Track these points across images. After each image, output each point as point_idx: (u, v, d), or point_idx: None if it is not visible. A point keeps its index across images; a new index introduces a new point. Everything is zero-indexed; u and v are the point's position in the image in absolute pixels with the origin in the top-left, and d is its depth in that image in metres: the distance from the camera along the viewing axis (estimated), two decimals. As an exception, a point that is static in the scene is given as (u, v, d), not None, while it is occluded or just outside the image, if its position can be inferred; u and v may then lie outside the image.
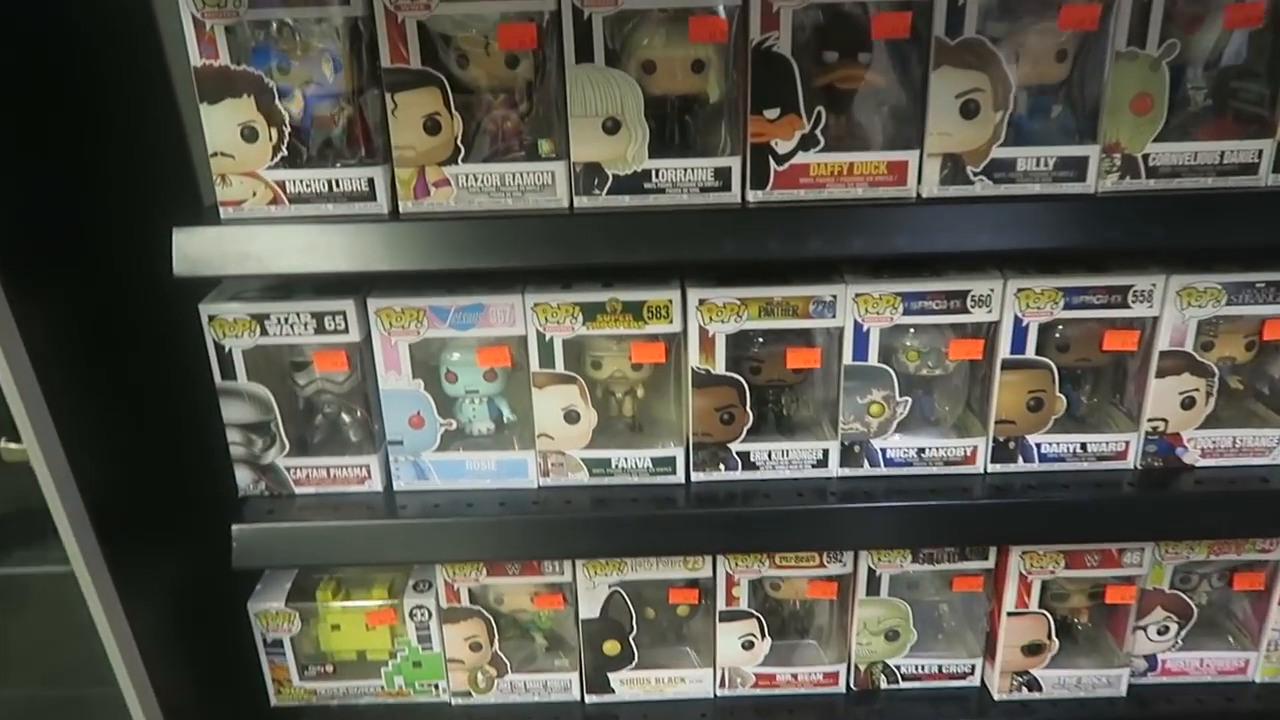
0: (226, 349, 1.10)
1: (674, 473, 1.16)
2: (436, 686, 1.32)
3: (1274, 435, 1.13)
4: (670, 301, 1.08)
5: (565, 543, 1.15)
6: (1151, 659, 1.28)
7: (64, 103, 1.07)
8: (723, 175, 1.01)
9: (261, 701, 1.32)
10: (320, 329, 1.10)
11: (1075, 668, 1.27)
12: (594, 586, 1.24)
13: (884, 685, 1.30)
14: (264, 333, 1.10)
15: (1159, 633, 1.27)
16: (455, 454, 1.16)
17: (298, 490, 1.17)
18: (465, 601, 1.26)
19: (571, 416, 1.14)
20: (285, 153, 1.00)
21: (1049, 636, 1.24)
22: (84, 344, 1.08)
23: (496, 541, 1.14)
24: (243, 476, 1.17)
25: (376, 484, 1.17)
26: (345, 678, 1.32)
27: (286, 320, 1.09)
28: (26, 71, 1.01)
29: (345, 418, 1.20)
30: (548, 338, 1.10)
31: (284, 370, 1.16)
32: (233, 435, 1.14)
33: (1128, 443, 1.14)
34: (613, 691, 1.30)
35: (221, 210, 1.02)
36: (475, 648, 1.29)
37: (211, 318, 1.09)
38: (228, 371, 1.11)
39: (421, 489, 1.17)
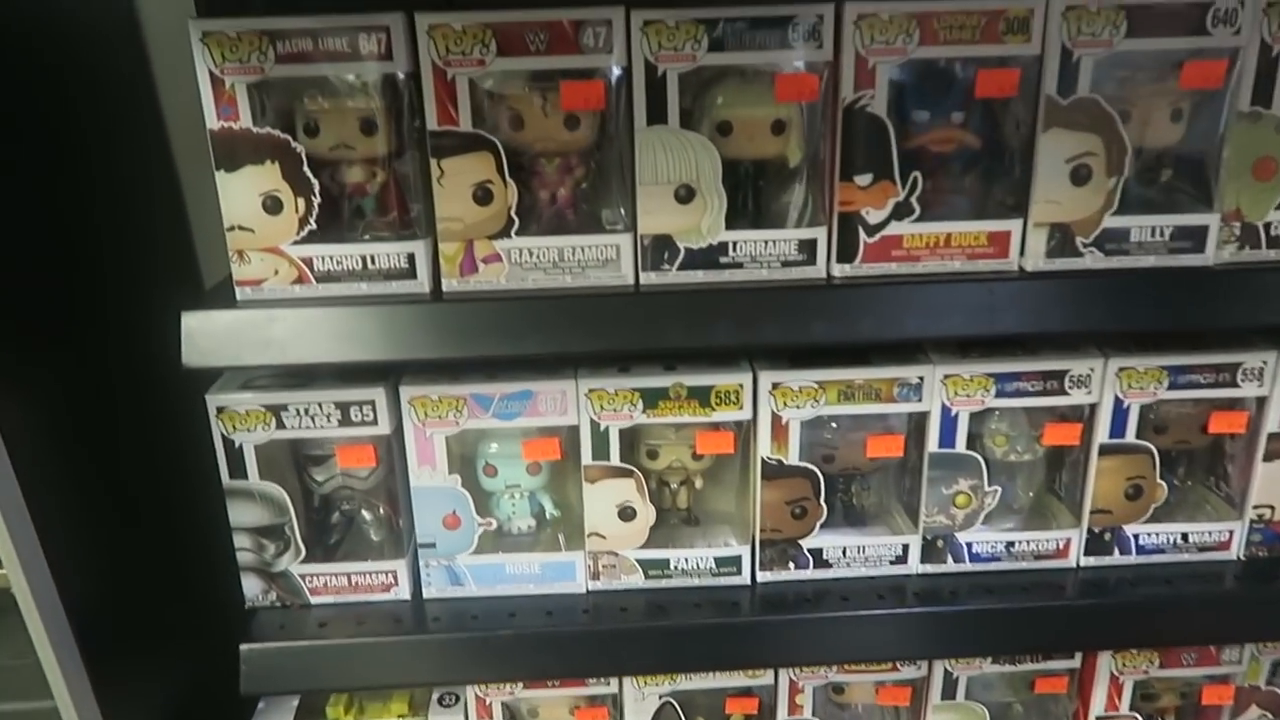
0: (236, 444, 0.97)
1: (739, 573, 1.04)
2: (458, 809, 1.17)
3: (1386, 522, 1.05)
4: (741, 386, 0.97)
5: (619, 657, 1.02)
6: (1246, 762, 1.18)
7: (45, 170, 0.94)
8: (807, 248, 0.91)
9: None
10: (345, 420, 0.97)
11: (1167, 773, 1.17)
12: (643, 698, 1.11)
13: (960, 797, 1.19)
14: (280, 425, 0.97)
15: (1254, 733, 1.17)
16: (494, 556, 1.03)
17: (314, 600, 1.03)
18: (498, 718, 1.13)
19: (627, 513, 1.02)
20: (314, 225, 0.88)
21: (1142, 743, 1.14)
22: (71, 441, 0.94)
23: (542, 658, 1.00)
24: (251, 586, 1.02)
25: (404, 592, 1.04)
26: (358, 803, 1.17)
27: (306, 411, 0.96)
28: None
29: (366, 515, 1.07)
30: (603, 427, 0.98)
31: (299, 466, 1.02)
32: (241, 540, 1.00)
33: (1231, 532, 1.05)
34: (662, 813, 1.17)
35: (238, 290, 0.89)
36: (508, 767, 1.15)
37: (220, 409, 0.96)
38: (237, 470, 0.98)
39: (455, 596, 1.04)
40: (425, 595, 1.04)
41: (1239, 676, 1.13)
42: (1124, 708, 1.12)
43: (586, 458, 1.00)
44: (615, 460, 1.00)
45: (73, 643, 0.87)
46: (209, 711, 1.10)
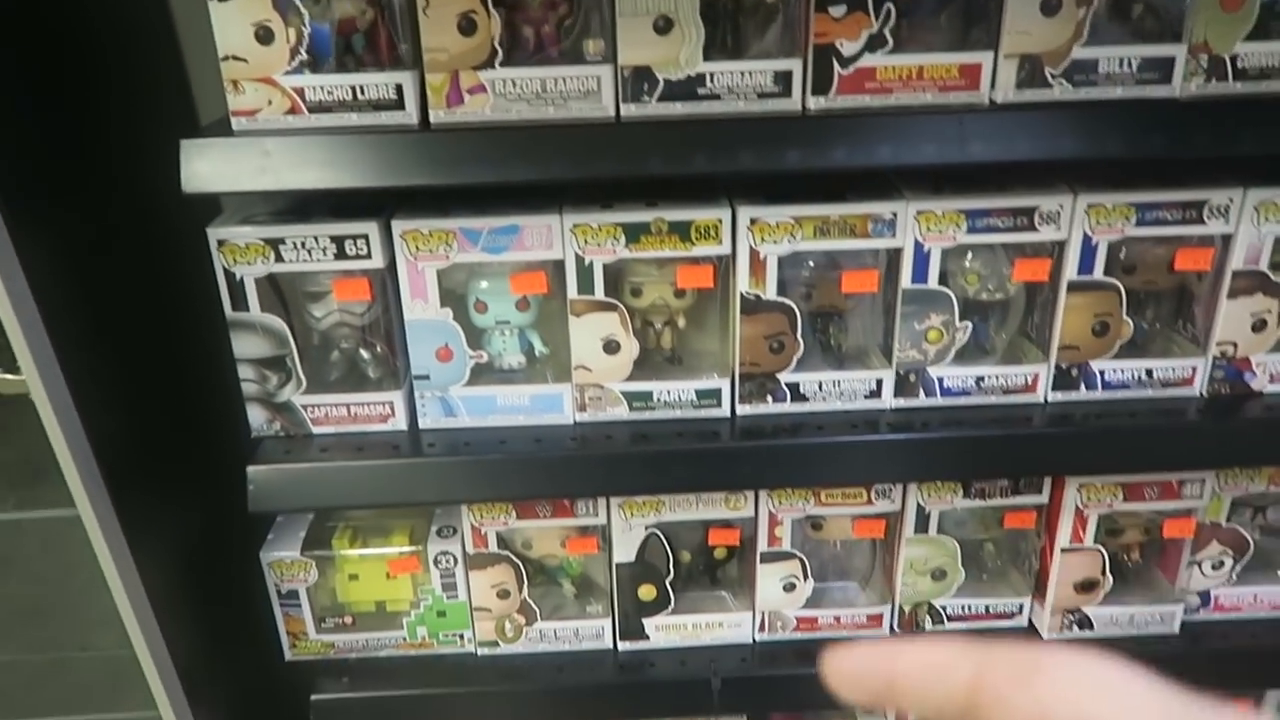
0: (238, 277, 1.02)
1: (719, 405, 1.09)
2: (461, 637, 1.25)
3: (1346, 358, 1.09)
4: (719, 221, 1.01)
5: (605, 480, 1.08)
6: (1205, 595, 1.24)
7: (43, 10, 0.97)
8: (782, 80, 0.93)
9: (275, 656, 1.25)
10: (341, 254, 1.01)
11: (1128, 605, 1.23)
12: (630, 529, 1.18)
13: (929, 627, 1.26)
14: (279, 259, 1.01)
15: (1214, 568, 1.23)
16: (485, 388, 1.09)
17: (315, 430, 1.09)
18: (493, 547, 1.19)
19: (611, 347, 1.07)
20: (305, 56, 0.91)
21: (1103, 573, 1.20)
22: (85, 270, 0.99)
23: (533, 479, 1.06)
24: (256, 416, 1.08)
25: (401, 422, 1.09)
26: (364, 630, 1.25)
27: (304, 244, 1.01)
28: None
29: (364, 354, 1.12)
30: (587, 261, 1.02)
31: (299, 301, 1.07)
32: (245, 371, 1.06)
33: (1194, 368, 1.09)
34: (647, 638, 1.24)
35: (234, 120, 0.93)
36: (503, 595, 1.22)
37: (221, 242, 1.00)
38: (239, 302, 1.03)
39: (449, 426, 1.09)
40: (421, 425, 1.10)
41: (1200, 512, 1.18)
42: (1088, 540, 1.18)
43: (572, 291, 1.04)
44: (600, 295, 1.04)
45: (89, 452, 0.93)
46: (221, 537, 1.17)
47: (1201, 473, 1.14)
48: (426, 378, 1.08)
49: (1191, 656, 1.22)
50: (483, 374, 1.10)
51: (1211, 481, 1.15)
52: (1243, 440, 1.09)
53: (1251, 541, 1.21)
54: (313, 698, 1.21)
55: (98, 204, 1.03)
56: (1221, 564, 1.22)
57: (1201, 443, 1.09)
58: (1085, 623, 1.23)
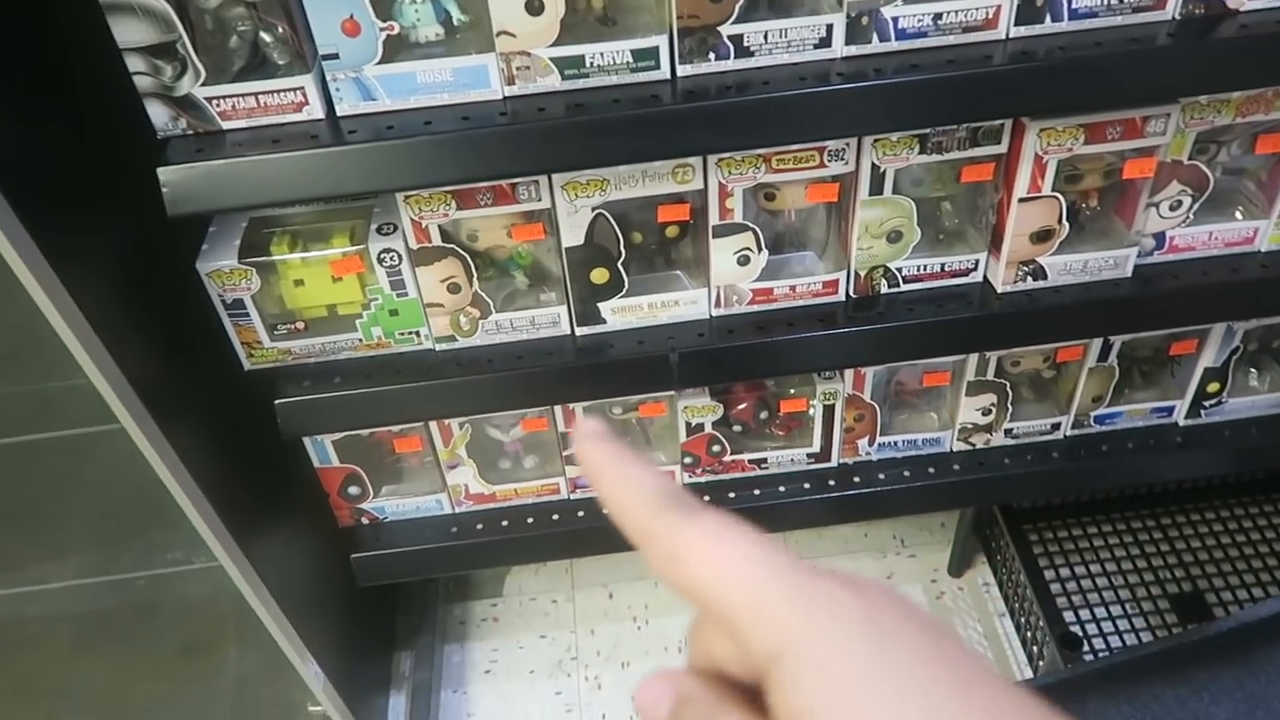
0: (100, -53, 0.89)
1: (658, 66, 1.01)
2: (418, 334, 1.24)
3: (1331, -35, 1.00)
4: None
5: (542, 156, 1.02)
6: (1160, 237, 1.23)
7: None
8: None
9: (235, 368, 1.24)
10: (212, -89, 0.88)
11: (1082, 252, 1.22)
12: (576, 211, 1.13)
13: (885, 290, 1.26)
14: (143, -78, 0.88)
15: (1171, 208, 1.21)
16: (403, 65, 1.00)
17: (225, 125, 1.01)
18: (437, 240, 1.15)
19: (534, 6, 0.97)
20: None
21: (1059, 221, 1.18)
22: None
23: (464, 160, 1.00)
24: (158, 114, 1.00)
25: (317, 110, 1.01)
26: (319, 334, 1.23)
27: (167, -98, 0.88)
28: None
29: (265, 36, 1.01)
30: (496, -98, 0.90)
31: (179, -24, 0.95)
32: (134, 62, 0.96)
33: (1169, -13, 1.01)
34: (604, 321, 1.24)
35: None
36: (454, 289, 1.20)
37: (71, -95, 0.87)
38: (109, -22, 0.91)
39: (369, 111, 1.01)
40: (339, 113, 1.02)
41: (1162, 150, 1.14)
42: (1046, 188, 1.15)
43: (483, -58, 0.93)
44: (515, -56, 0.93)
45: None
46: (156, 252, 1.12)
47: (1166, 107, 1.09)
48: (336, 56, 0.98)
49: (1141, 299, 1.23)
50: (399, 50, 1.00)
51: (1176, 116, 1.11)
52: (1216, 65, 1.03)
53: (1212, 178, 1.19)
54: (276, 402, 1.22)
55: None
56: (1180, 204, 1.20)
57: (1172, 69, 1.03)
58: (1039, 273, 1.22)
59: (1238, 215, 1.25)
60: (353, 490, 1.43)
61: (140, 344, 1.09)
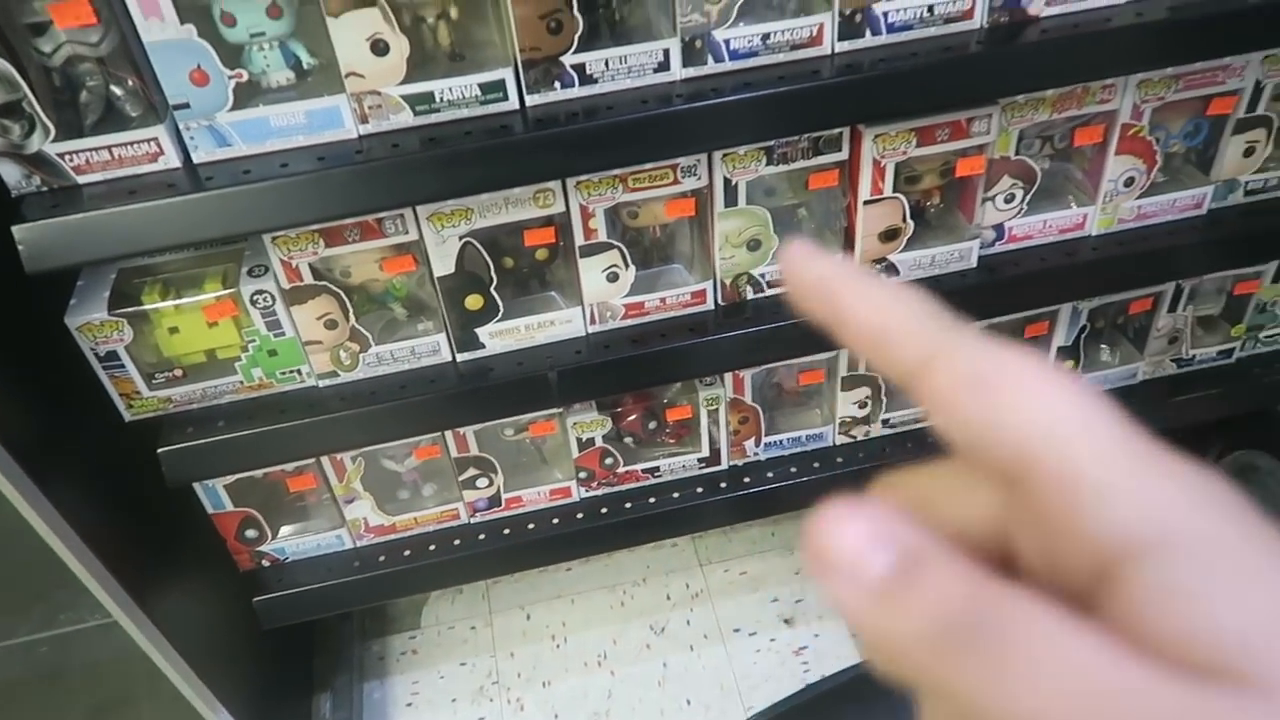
0: (-65, 13, 0.90)
1: (506, 98, 1.05)
2: (299, 372, 1.26)
3: (1116, -28, 1.10)
4: (467, -113, 0.92)
5: (399, 191, 1.05)
6: (999, 228, 1.32)
7: None
8: None
9: (116, 419, 1.24)
10: (47, -28, 0.90)
11: (929, 248, 1.30)
12: (443, 240, 1.17)
13: (751, 296, 1.32)
14: (-22, -14, 0.90)
15: (1006, 201, 1.30)
16: (255, 111, 1.02)
17: (80, 179, 1.02)
18: (309, 279, 1.18)
19: (380, 47, 1.00)
20: None
21: (904, 220, 1.26)
22: None
23: (323, 199, 1.03)
24: (10, 172, 1.00)
25: (173, 159, 1.03)
26: (199, 380, 1.24)
27: (1, -34, 0.89)
28: None
29: (115, 90, 1.03)
30: (330, -49, 0.94)
31: (21, 36, 0.96)
32: (-20, 123, 0.97)
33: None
34: (483, 346, 1.27)
35: None
36: (331, 325, 1.22)
37: (-99, -26, 0.88)
38: (-53, 43, 0.92)
39: (225, 157, 1.03)
40: (195, 160, 1.04)
41: (990, 148, 1.22)
42: (888, 190, 1.22)
43: (322, -12, 0.96)
44: (355, -10, 0.97)
45: None
46: (24, 307, 1.11)
47: (987, 108, 1.17)
48: (187, 106, 1.00)
49: (988, 286, 1.31)
50: (252, 96, 1.03)
51: (998, 116, 1.19)
52: (1023, 68, 1.12)
53: (1039, 171, 1.28)
54: (159, 450, 1.22)
55: None
56: (1013, 196, 1.29)
57: (985, 75, 1.11)
58: (892, 270, 1.30)
59: (1071, 204, 1.34)
60: (250, 533, 1.43)
61: (11, 402, 1.09)
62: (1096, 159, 1.30)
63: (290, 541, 1.46)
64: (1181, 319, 1.52)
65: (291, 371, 1.25)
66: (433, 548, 1.48)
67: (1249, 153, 1.33)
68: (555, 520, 1.49)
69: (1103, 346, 1.58)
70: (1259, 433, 1.80)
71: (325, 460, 1.37)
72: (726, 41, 1.07)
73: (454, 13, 1.05)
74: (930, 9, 1.08)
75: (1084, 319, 1.47)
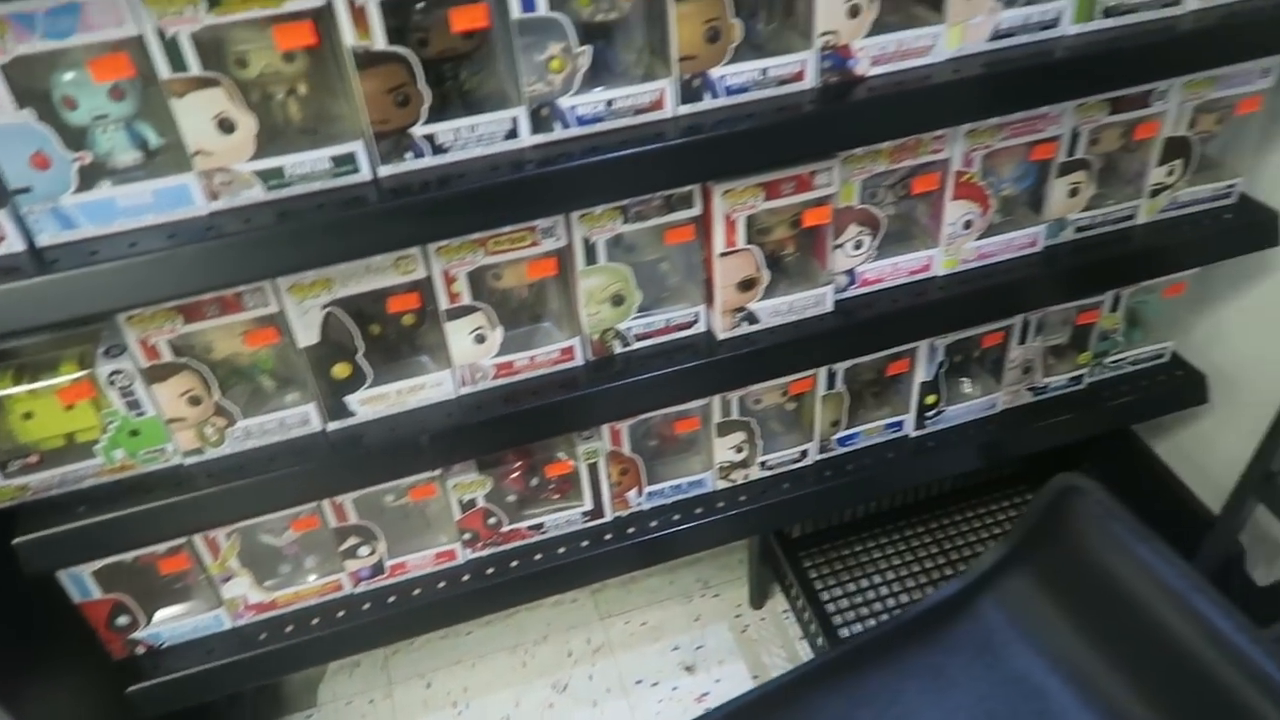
0: None
1: (357, 170, 1.07)
2: (163, 451, 1.24)
3: (932, 33, 1.18)
4: (304, -30, 0.95)
5: (254, 264, 1.05)
6: (851, 273, 1.38)
7: None
8: None
9: (-33, 512, 1.20)
10: (-128, 63, 0.89)
11: (786, 295, 1.35)
12: (305, 311, 1.17)
13: (618, 349, 1.35)
14: None
15: (855, 247, 1.36)
16: (102, 192, 1.02)
17: (-82, 268, 1.00)
18: (168, 356, 1.16)
19: (226, 125, 1.01)
20: None
21: (759, 269, 1.31)
22: None
23: (174, 276, 1.02)
24: None
25: (16, 243, 1.01)
26: (58, 465, 1.21)
27: None
28: None
29: (-46, 177, 1.01)
30: (169, 34, 0.95)
31: None
32: None
33: (804, 62, 1.16)
34: (354, 414, 1.27)
35: None
36: (194, 402, 1.21)
37: None
38: None
39: (72, 239, 1.03)
40: (40, 244, 1.02)
41: (835, 199, 1.29)
42: (741, 242, 1.28)
43: (164, 71, 0.97)
44: (197, 70, 0.98)
45: None
46: None
47: (827, 161, 1.24)
48: (28, 190, 0.99)
49: (846, 329, 1.37)
50: (99, 177, 1.03)
51: (839, 168, 1.26)
52: (854, 123, 1.19)
53: (883, 218, 1.35)
54: (15, 541, 1.18)
55: None
56: (861, 243, 1.36)
57: (819, 131, 1.18)
58: (752, 318, 1.35)
59: (915, 245, 1.42)
60: (121, 620, 1.38)
61: None
62: (936, 205, 1.38)
63: (166, 626, 1.42)
64: (1032, 350, 1.61)
65: (155, 451, 1.23)
66: (316, 621, 1.46)
67: (1074, 193, 1.43)
68: (441, 584, 1.49)
69: (963, 380, 1.66)
70: (1120, 451, 1.91)
71: (198, 539, 1.34)
72: (573, 108, 1.11)
73: (302, 89, 1.07)
74: (764, 72, 1.15)
75: (942, 354, 1.54)
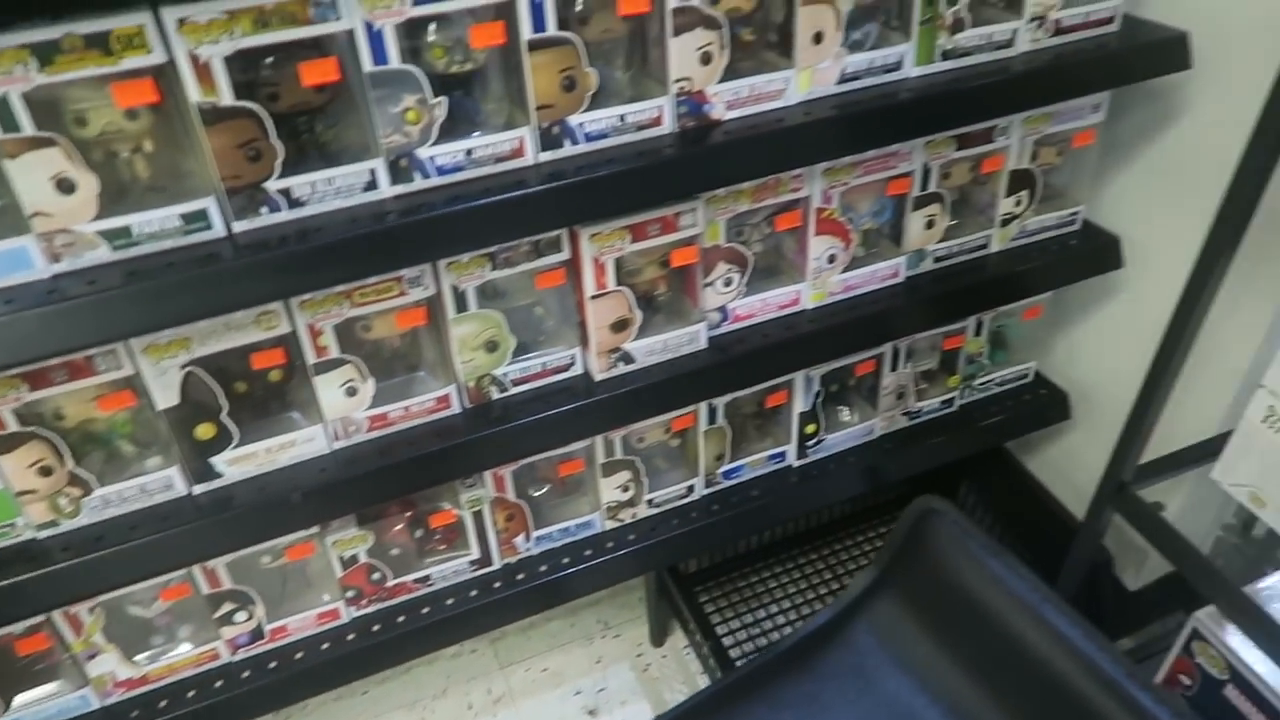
0: None
1: (210, 227, 1.05)
2: (13, 525, 1.17)
3: (783, 78, 1.23)
4: (143, 27, 0.93)
5: (102, 326, 1.02)
6: (723, 310, 1.41)
7: None
8: None
9: None
10: None
11: (660, 334, 1.37)
12: (163, 372, 1.14)
13: (496, 395, 1.34)
14: None
15: (725, 284, 1.39)
16: (-69, 258, 0.97)
17: None
18: (14, 426, 1.11)
19: (65, 185, 0.98)
20: None
21: (631, 310, 1.32)
22: None
23: (14, 342, 0.98)
24: None
25: None
26: (-106, 548, 1.14)
27: None
28: None
29: None
30: (0, 94, 0.92)
31: None
32: None
33: (661, 108, 1.18)
34: (220, 475, 1.23)
35: None
36: (46, 472, 1.15)
37: None
38: None
39: (-100, 308, 0.98)
40: None
41: (701, 239, 1.32)
42: (611, 284, 1.29)
43: (-5, 132, 0.93)
44: (32, 130, 0.95)
45: None
46: None
47: (690, 203, 1.27)
48: None
49: (720, 365, 1.40)
50: (-72, 244, 0.98)
51: (703, 209, 1.29)
52: (712, 166, 1.22)
53: (750, 256, 1.38)
54: None
55: None
56: (731, 280, 1.39)
57: (679, 174, 1.21)
58: (627, 358, 1.36)
59: (783, 280, 1.46)
60: (-24, 708, 1.30)
61: None
62: (800, 240, 1.42)
63: (28, 710, 1.34)
64: (904, 376, 1.66)
65: (5, 526, 1.17)
66: (193, 694, 1.40)
67: (930, 225, 1.49)
68: (325, 645, 1.44)
69: (841, 408, 1.70)
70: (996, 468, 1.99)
71: (57, 616, 1.27)
72: (432, 158, 1.11)
73: (149, 146, 1.04)
74: (622, 118, 1.17)
75: (817, 385, 1.58)
